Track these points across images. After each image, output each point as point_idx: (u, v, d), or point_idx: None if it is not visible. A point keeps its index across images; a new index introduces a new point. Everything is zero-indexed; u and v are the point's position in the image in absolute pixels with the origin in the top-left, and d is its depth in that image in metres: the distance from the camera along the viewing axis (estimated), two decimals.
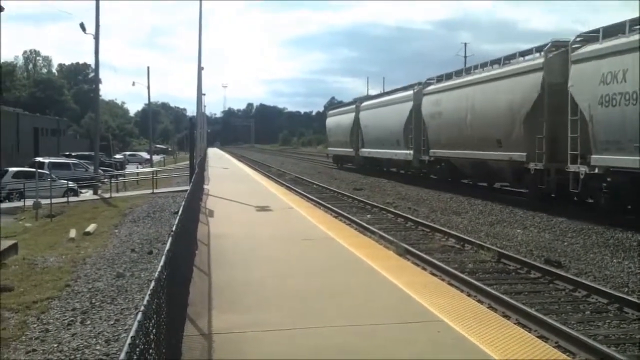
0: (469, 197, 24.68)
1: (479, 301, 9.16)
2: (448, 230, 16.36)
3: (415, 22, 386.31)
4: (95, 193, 33.29)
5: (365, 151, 43.14)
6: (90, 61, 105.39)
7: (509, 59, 24.15)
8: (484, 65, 26.49)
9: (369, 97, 47.85)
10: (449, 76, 29.77)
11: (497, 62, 25.13)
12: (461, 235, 15.51)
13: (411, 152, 33.33)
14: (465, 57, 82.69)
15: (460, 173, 29.13)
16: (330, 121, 56.35)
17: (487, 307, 8.62)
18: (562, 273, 11.25)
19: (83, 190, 35.21)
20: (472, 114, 25.62)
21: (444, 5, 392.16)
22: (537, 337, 7.23)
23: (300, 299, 7.98)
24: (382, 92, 44.81)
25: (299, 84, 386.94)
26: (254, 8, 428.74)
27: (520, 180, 23.00)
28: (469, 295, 9.35)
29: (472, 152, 25.89)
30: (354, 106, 46.96)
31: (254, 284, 8.80)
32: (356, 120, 45.04)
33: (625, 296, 9.60)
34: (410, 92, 34.13)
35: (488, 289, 10.07)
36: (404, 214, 19.82)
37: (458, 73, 29.08)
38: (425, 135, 31.34)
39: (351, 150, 46.49)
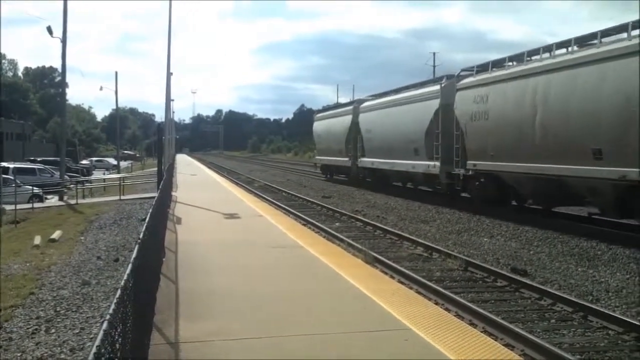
0: (437, 206, 24.85)
1: (446, 309, 9.24)
2: (416, 239, 16.45)
3: (386, 30, 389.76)
4: (61, 199, 32.85)
5: (368, 161, 35.43)
6: (58, 65, 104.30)
7: (607, 34, 17.10)
8: (563, 44, 18.75)
9: (372, 97, 38.82)
10: (498, 64, 22.52)
11: (585, 39, 18.04)
12: (429, 244, 15.61)
13: (437, 163, 25.79)
14: (434, 66, 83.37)
15: (513, 192, 22.00)
16: (319, 126, 48.15)
17: (454, 315, 8.67)
18: (528, 282, 11.38)
19: (48, 196, 34.72)
20: (544, 113, 18.60)
21: (415, 15, 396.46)
22: (503, 345, 7.30)
23: (268, 307, 7.95)
24: (385, 91, 36.27)
25: (268, 91, 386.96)
26: (226, 16, 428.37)
27: (628, 208, 16.25)
28: (436, 304, 9.41)
29: (542, 166, 18.76)
30: (350, 107, 39.75)
31: (221, 292, 8.75)
32: (354, 125, 37.91)
33: (589, 305, 9.74)
34: (437, 87, 26.80)
35: (455, 297, 10.15)
36: (372, 222, 19.89)
37: (514, 59, 21.60)
38: (461, 142, 23.98)
39: (347, 159, 39.18)
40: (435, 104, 26.24)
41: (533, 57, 20.12)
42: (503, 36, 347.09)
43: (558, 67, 18.25)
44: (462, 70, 25.27)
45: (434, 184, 27.47)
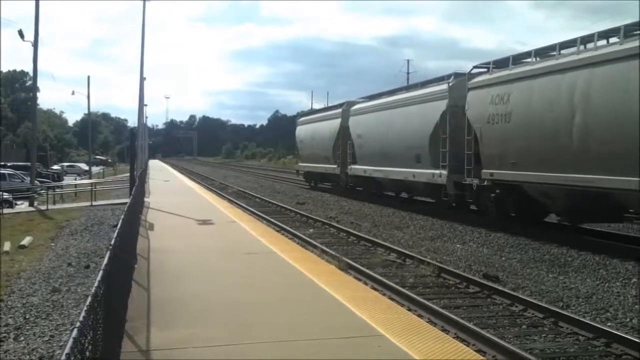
0: (410, 212, 24.95)
1: (419, 315, 9.26)
2: (390, 245, 16.50)
3: (360, 38, 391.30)
4: (31, 205, 32.41)
5: (359, 169, 32.41)
6: (28, 69, 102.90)
7: None
8: (606, 34, 16.23)
9: (363, 99, 35.40)
10: (520, 59, 19.82)
11: (632, 28, 15.37)
12: (402, 250, 15.66)
13: (443, 172, 22.96)
14: (408, 73, 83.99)
15: (538, 206, 19.34)
16: (303, 130, 44.67)
17: (427, 322, 8.70)
18: (500, 288, 11.48)
19: (18, 202, 34.21)
20: (586, 114, 15.83)
21: (389, 22, 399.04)
22: (475, 351, 7.36)
23: (242, 314, 7.91)
24: (375, 93, 33.30)
25: (242, 97, 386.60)
26: (198, 21, 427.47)
27: None
28: (409, 310, 9.46)
29: (582, 177, 15.92)
30: (339, 110, 36.61)
31: (194, 299, 8.69)
32: (343, 129, 34.87)
33: (560, 310, 9.85)
34: (444, 86, 23.78)
35: (428, 303, 10.19)
36: (346, 229, 19.92)
37: (540, 53, 18.81)
38: (474, 148, 21.12)
39: (334, 166, 36.17)
40: (441, 105, 23.33)
41: (563, 51, 17.39)
42: (476, 44, 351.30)
43: (605, 60, 15.41)
44: (475, 67, 22.21)
45: (438, 195, 24.32)
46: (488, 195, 20.48)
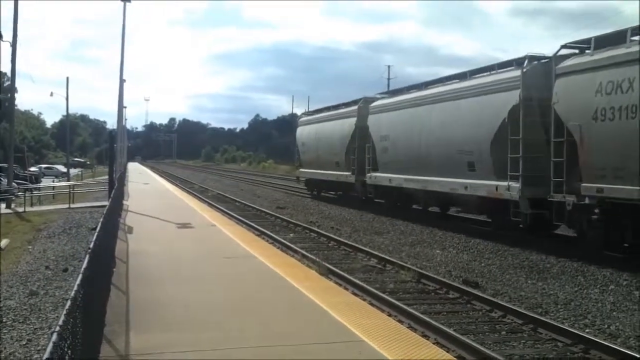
0: (390, 218, 24.99)
1: (399, 321, 9.27)
2: (370, 250, 16.52)
3: (341, 43, 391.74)
4: (8, 207, 32.05)
5: (383, 177, 26.82)
6: (6, 69, 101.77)
7: None
8: None
9: (383, 95, 30.75)
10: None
11: None
12: (383, 256, 15.68)
13: (514, 184, 17.73)
14: (388, 79, 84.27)
15: None
16: (306, 131, 38.86)
17: (407, 327, 8.72)
18: (479, 294, 11.53)
19: None
20: None
21: (370, 28, 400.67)
22: (455, 357, 7.36)
23: (221, 319, 7.87)
24: (388, 90, 28.76)
25: (223, 100, 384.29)
26: (178, 24, 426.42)
27: None
28: (389, 315, 9.47)
29: None
30: (354, 108, 30.97)
31: (173, 303, 8.63)
32: (360, 130, 29.42)
33: (539, 317, 9.91)
34: (515, 72, 18.27)
35: (408, 309, 10.21)
36: (327, 234, 19.91)
37: None
38: (567, 153, 15.84)
39: (347, 174, 30.70)
40: (511, 97, 18.00)
41: None
42: (455, 51, 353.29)
43: None
44: (563, 46, 16.82)
45: (501, 213, 19.03)
46: (587, 217, 15.51)
